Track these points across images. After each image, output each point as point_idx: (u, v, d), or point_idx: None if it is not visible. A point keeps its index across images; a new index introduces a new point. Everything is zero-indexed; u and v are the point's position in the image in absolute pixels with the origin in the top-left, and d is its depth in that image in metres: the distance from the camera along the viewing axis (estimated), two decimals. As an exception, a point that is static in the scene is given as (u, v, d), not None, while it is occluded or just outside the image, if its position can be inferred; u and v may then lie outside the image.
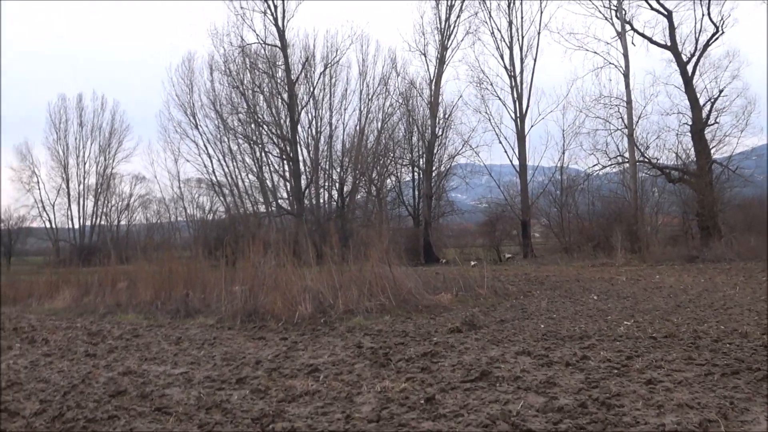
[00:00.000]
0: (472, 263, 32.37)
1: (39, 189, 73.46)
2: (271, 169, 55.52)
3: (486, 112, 52.38)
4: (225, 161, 57.37)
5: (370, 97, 55.21)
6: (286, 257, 19.04)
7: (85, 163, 73.45)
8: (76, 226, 73.56)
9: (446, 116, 53.33)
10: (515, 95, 50.82)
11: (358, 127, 55.18)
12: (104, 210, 74.03)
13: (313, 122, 54.53)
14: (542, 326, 13.85)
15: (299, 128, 53.89)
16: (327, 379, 9.52)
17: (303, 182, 53.29)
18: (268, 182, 55.67)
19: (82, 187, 73.42)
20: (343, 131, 56.15)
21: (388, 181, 56.78)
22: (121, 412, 8.21)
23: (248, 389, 9.24)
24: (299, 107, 53.22)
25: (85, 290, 23.16)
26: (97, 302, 21.82)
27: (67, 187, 73.16)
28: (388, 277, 18.24)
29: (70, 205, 73.17)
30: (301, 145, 54.05)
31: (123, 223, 74.72)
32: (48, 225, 73.52)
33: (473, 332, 13.22)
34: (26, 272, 38.84)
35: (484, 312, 16.62)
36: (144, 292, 21.11)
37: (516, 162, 50.73)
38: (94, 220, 73.44)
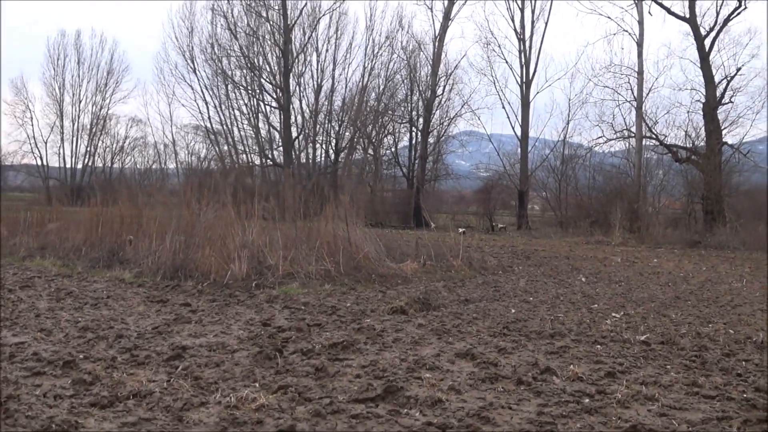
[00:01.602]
0: (461, 230, 29.61)
1: (32, 125, 70.82)
2: (268, 119, 52.59)
3: (491, 75, 49.35)
4: (221, 108, 54.42)
5: (375, 53, 52.07)
6: (231, 207, 16.12)
7: (80, 102, 70.52)
8: (68, 165, 71.04)
9: (448, 74, 50.14)
10: (523, 60, 47.57)
11: (361, 84, 52.05)
12: (97, 151, 71.35)
13: (314, 74, 51.47)
14: (512, 311, 10.96)
15: (299, 79, 50.91)
16: (182, 373, 6.67)
17: (294, 134, 50.38)
18: (263, 132, 52.74)
19: (76, 126, 70.69)
20: (346, 86, 53.09)
21: (386, 140, 53.77)
22: None
23: (66, 380, 6.43)
24: (294, 55, 50.10)
25: (15, 229, 20.32)
26: (23, 243, 19.01)
27: (61, 124, 70.41)
28: (344, 238, 15.32)
29: (63, 143, 70.57)
30: (296, 96, 51.04)
31: (116, 165, 71.83)
32: (39, 162, 71.05)
33: (422, 314, 10.35)
34: (5, 206, 35.85)
35: (450, 287, 13.72)
36: (74, 235, 18.27)
37: (518, 129, 47.65)
38: (86, 160, 70.82)
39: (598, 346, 8.43)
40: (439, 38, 49.05)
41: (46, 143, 70.43)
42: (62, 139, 70.10)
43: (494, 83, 48.78)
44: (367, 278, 13.96)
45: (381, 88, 52.00)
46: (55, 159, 71.21)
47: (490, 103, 62.14)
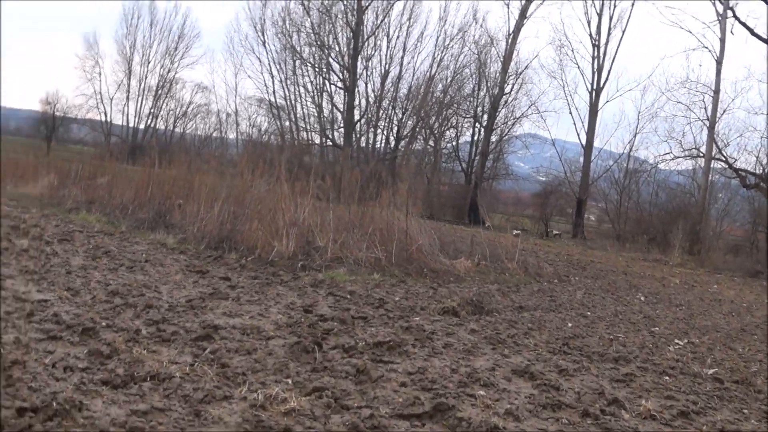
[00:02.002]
0: (515, 232, 28.67)
1: (100, 81, 71.01)
2: (332, 99, 51.93)
3: (561, 79, 48.16)
4: (286, 84, 53.88)
5: (446, 45, 51.11)
6: (286, 182, 15.42)
7: (149, 63, 70.52)
8: (131, 124, 71.17)
9: (518, 73, 48.97)
10: (595, 66, 46.27)
11: (429, 74, 51.13)
12: (161, 113, 71.34)
13: (383, 59, 50.68)
14: (569, 325, 10.11)
15: (368, 62, 50.19)
16: (208, 357, 5.96)
17: (356, 117, 49.73)
18: (326, 112, 52.10)
19: (142, 86, 70.73)
20: (413, 75, 52.20)
21: (448, 133, 52.80)
22: None
23: (82, 349, 5.78)
24: (364, 37, 49.34)
25: (65, 180, 19.89)
26: (71, 195, 18.55)
27: (128, 83, 70.46)
28: (399, 227, 14.53)
29: (128, 101, 70.71)
30: (362, 79, 50.33)
31: (177, 129, 71.75)
32: (103, 118, 71.28)
33: (475, 318, 9.54)
34: (64, 159, 35.60)
35: (503, 292, 12.86)
36: (123, 193, 17.75)
37: (583, 137, 46.39)
38: (149, 121, 70.93)
39: (666, 378, 7.55)
40: (513, 36, 47.90)
41: (111, 100, 70.60)
42: (128, 98, 70.17)
43: (563, 87, 47.58)
44: (418, 272, 13.16)
45: (448, 80, 51.08)
46: (118, 117, 71.40)
47: (558, 107, 60.69)
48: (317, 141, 52.61)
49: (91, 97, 70.61)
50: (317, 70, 51.44)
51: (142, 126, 70.49)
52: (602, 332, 9.90)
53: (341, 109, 50.70)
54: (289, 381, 5.55)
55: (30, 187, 19.75)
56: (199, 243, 13.57)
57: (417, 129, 51.10)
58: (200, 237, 13.87)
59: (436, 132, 51.43)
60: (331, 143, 51.28)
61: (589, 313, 11.79)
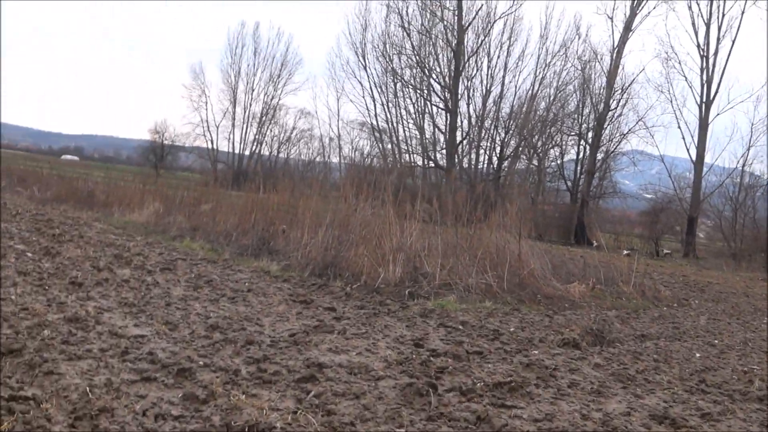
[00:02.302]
0: (625, 252, 27.52)
1: (206, 109, 72.38)
2: (433, 120, 51.45)
3: (669, 93, 46.64)
4: (388, 107, 53.75)
5: (547, 62, 50.14)
6: (391, 206, 14.86)
7: (253, 90, 71.61)
8: (236, 150, 72.23)
9: (624, 89, 47.52)
10: (704, 78, 44.56)
11: (531, 92, 50.23)
12: (265, 139, 72.21)
13: (484, 78, 50.03)
14: (697, 356, 9.21)
15: (469, 82, 49.62)
16: (313, 402, 5.37)
17: (459, 137, 49.09)
18: (428, 133, 51.67)
19: (247, 113, 71.77)
20: (515, 93, 51.38)
21: (552, 152, 51.67)
22: None
23: (177, 392, 5.28)
24: (465, 57, 48.72)
25: (170, 207, 19.78)
26: (176, 222, 18.39)
27: (233, 111, 71.69)
28: (510, 251, 13.78)
29: (233, 128, 71.93)
30: (464, 99, 49.73)
31: (282, 155, 72.37)
32: (209, 145, 72.58)
33: (597, 349, 8.75)
34: (170, 186, 36.10)
35: (623, 318, 11.99)
36: (226, 219, 17.47)
37: (693, 152, 44.68)
38: (254, 147, 71.86)
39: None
40: (618, 50, 46.65)
41: (217, 128, 71.96)
42: (233, 125, 71.51)
43: (671, 101, 46.05)
44: (531, 298, 12.37)
45: (551, 98, 50.30)
46: (224, 144, 72.59)
47: (666, 121, 58.73)
48: (420, 163, 52.24)
49: (198, 125, 72.13)
50: (418, 91, 51.21)
51: (247, 152, 71.44)
52: (735, 364, 8.98)
53: (443, 130, 50.27)
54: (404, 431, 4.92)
55: (136, 214, 19.72)
56: (303, 270, 13.11)
57: (520, 148, 50.26)
58: (304, 264, 13.41)
59: (539, 151, 50.50)
60: (433, 165, 50.80)
61: (716, 341, 10.84)
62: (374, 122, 55.39)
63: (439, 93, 50.47)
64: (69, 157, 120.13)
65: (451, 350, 7.47)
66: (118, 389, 5.27)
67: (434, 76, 50.39)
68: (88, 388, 5.19)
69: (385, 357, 7.01)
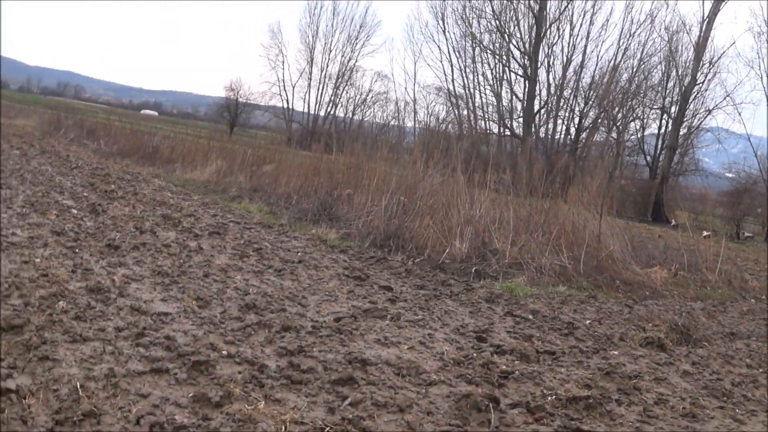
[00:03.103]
0: (705, 233, 25.97)
1: (283, 69, 72.05)
2: (511, 87, 49.88)
3: (759, 69, 44.28)
4: (465, 72, 52.37)
5: (632, 32, 48.07)
6: (462, 174, 13.76)
7: (330, 51, 71.02)
8: (312, 111, 71.77)
9: (712, 63, 45.23)
10: (800, 55, 42.18)
11: (613, 62, 48.31)
12: (340, 100, 71.54)
13: (565, 47, 48.28)
14: (798, 361, 7.99)
15: (549, 50, 47.91)
16: (347, 414, 4.38)
17: (536, 106, 47.52)
18: (505, 101, 50.14)
19: (324, 74, 71.21)
20: (596, 63, 49.56)
21: (632, 125, 49.68)
22: None
23: (186, 390, 4.39)
24: (547, 24, 46.94)
25: (232, 167, 18.94)
26: (237, 182, 17.56)
27: (310, 71, 71.21)
28: (589, 230, 12.58)
29: (309, 89, 71.47)
30: (543, 67, 48.06)
31: (356, 117, 71.63)
32: (285, 104, 72.19)
33: (684, 351, 7.58)
34: (242, 143, 35.52)
35: (709, 312, 10.72)
36: (289, 181, 16.56)
37: (783, 131, 42.41)
38: (329, 108, 71.29)
39: None
40: (708, 21, 44.32)
41: (293, 87, 71.63)
42: (309, 85, 71.14)
43: (761, 78, 43.62)
44: (609, 284, 11.16)
45: (634, 69, 48.18)
46: (300, 104, 72.37)
47: (755, 99, 56.10)
48: (495, 131, 50.88)
49: (274, 84, 71.88)
50: (497, 57, 49.70)
51: (322, 113, 70.89)
52: None
53: (521, 98, 48.72)
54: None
55: (198, 172, 18.95)
56: (364, 240, 12.14)
57: (599, 120, 48.44)
58: (365, 233, 12.44)
59: (619, 123, 48.60)
60: (509, 133, 49.36)
61: (817, 342, 9.54)
62: (451, 87, 54.23)
63: (519, 59, 48.91)
64: (148, 112, 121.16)
65: (518, 347, 6.39)
66: (116, 385, 4.36)
67: (514, 41, 48.82)
68: (79, 383, 4.29)
69: (442, 353, 5.96)
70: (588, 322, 8.21)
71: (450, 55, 53.43)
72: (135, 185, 15.55)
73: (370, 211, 13.32)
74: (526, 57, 47.57)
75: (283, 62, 72.23)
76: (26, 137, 26.03)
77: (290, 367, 5.11)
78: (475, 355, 6.02)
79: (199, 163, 19.78)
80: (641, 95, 48.02)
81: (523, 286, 9.88)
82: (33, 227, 9.23)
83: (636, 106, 48.54)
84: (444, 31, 53.59)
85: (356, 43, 70.22)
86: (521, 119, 48.51)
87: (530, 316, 8.01)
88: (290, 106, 71.42)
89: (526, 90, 47.77)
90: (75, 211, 11.10)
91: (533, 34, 47.21)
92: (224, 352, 5.25)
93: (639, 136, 49.81)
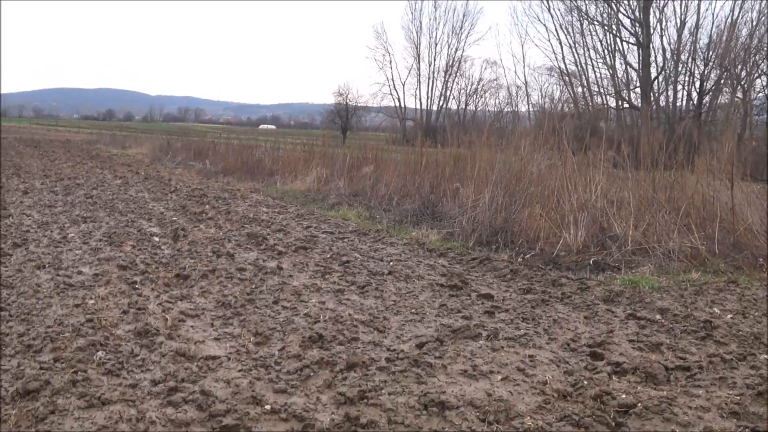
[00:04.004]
0: None
1: (391, 68, 71.97)
2: (624, 57, 47.55)
3: None
4: (575, 48, 50.41)
5: (750, -16, 45.11)
6: (571, 155, 12.41)
7: (436, 45, 70.42)
8: (424, 106, 71.14)
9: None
10: None
11: (730, 19, 45.47)
12: (451, 93, 70.59)
13: (677, 9, 45.75)
14: None
15: (661, 13, 45.39)
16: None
17: (653, 74, 45.05)
18: (619, 72, 47.88)
19: (432, 68, 70.66)
20: (712, 22, 46.80)
21: (758, 82, 46.58)
22: None
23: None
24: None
25: (331, 173, 18.00)
26: (337, 188, 16.61)
27: (418, 67, 70.83)
28: (721, 202, 11.02)
29: (419, 85, 71.10)
30: (656, 32, 45.59)
31: (470, 107, 70.43)
32: (396, 103, 71.86)
33: None
34: (354, 146, 34.89)
35: None
36: (390, 181, 15.50)
37: None
38: (440, 102, 70.49)
39: None
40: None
41: (403, 85, 71.68)
42: (418, 81, 70.94)
43: None
44: (750, 263, 9.54)
45: (753, 23, 45.14)
46: (411, 101, 72.21)
47: None
48: (612, 105, 48.76)
49: (384, 84, 71.94)
50: (606, 28, 47.49)
51: (435, 107, 70.21)
52: None
53: (636, 68, 46.39)
54: None
55: (298, 182, 18.10)
56: (468, 238, 10.97)
57: (722, 81, 45.62)
58: (470, 230, 11.25)
59: (744, 82, 45.61)
60: (627, 105, 47.12)
61: None
62: (562, 66, 52.36)
63: (629, 27, 46.53)
64: (266, 126, 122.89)
65: (642, 363, 5.10)
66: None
67: (622, 9, 46.47)
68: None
69: (544, 383, 4.74)
70: (729, 316, 6.78)
71: (557, 33, 51.95)
72: (230, 203, 14.82)
73: (475, 204, 12.11)
74: (637, 24, 45.21)
75: (391, 62, 71.94)
76: (135, 165, 25.88)
77: (346, 421, 4.04)
78: (586, 382, 4.77)
79: (300, 172, 18.94)
80: (765, 49, 44.98)
81: (648, 277, 8.48)
82: (102, 262, 8.48)
83: (760, 62, 45.50)
84: (549, 9, 51.95)
85: (461, 34, 69.30)
86: (638, 90, 46.19)
87: (658, 317, 6.64)
88: (402, 104, 70.88)
89: (641, 58, 45.42)
90: (157, 239, 10.36)
91: (641, -1, 44.83)
92: (268, 407, 4.22)
93: (766, 93, 46.73)
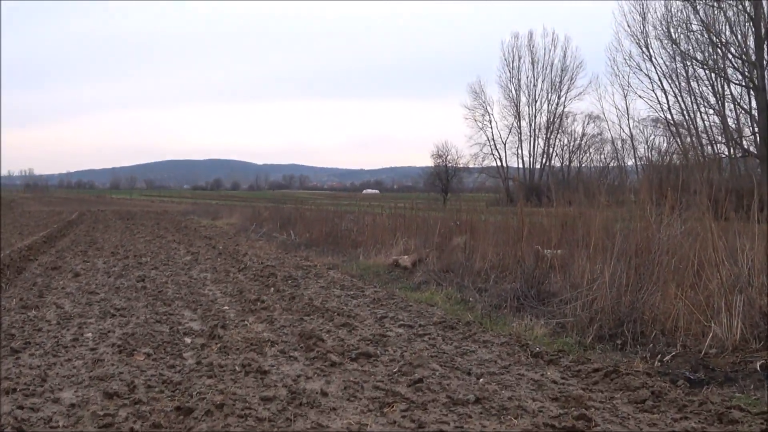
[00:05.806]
0: None
1: (491, 127, 69.92)
2: (735, 103, 43.89)
3: None
4: (681, 96, 47.08)
5: None
6: (708, 215, 9.56)
7: (536, 102, 68.36)
8: (526, 165, 68.81)
9: None
10: None
11: None
12: (554, 149, 68.12)
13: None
14: None
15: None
16: None
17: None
18: (731, 120, 44.24)
19: (532, 126, 68.40)
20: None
21: None
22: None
23: None
24: (766, 19, 40.67)
25: (422, 242, 15.46)
26: (424, 263, 14.08)
27: (519, 125, 68.75)
28: None
29: (520, 143, 68.93)
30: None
31: (574, 164, 67.57)
32: (498, 163, 69.81)
33: None
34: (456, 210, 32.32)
35: None
36: (484, 253, 12.91)
37: None
38: (543, 159, 68.06)
39: None
40: None
41: (504, 144, 69.58)
42: (519, 140, 69.36)
43: None
44: None
45: None
46: (513, 160, 70.42)
47: None
48: (724, 153, 45.12)
49: (485, 145, 69.90)
50: (715, 72, 43.99)
51: (537, 165, 68.02)
52: None
53: (750, 112, 42.72)
54: None
55: (383, 256, 15.55)
56: (584, 332, 8.29)
57: None
58: (586, 320, 8.55)
59: None
60: (742, 154, 43.38)
61: None
62: (668, 116, 49.03)
63: (740, 69, 42.89)
64: (370, 191, 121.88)
65: None
66: None
67: (732, 50, 42.91)
68: None
69: None
70: None
71: (661, 82, 48.46)
72: (300, 283, 12.51)
73: (591, 282, 9.37)
74: (747, 64, 41.58)
75: (490, 121, 69.65)
76: (216, 237, 23.87)
77: None
78: None
79: (386, 243, 16.46)
80: None
81: None
82: (93, 383, 6.19)
83: None
84: (650, 58, 48.75)
85: (561, 89, 66.92)
86: (755, 135, 42.36)
87: None
88: (504, 164, 68.60)
89: (755, 102, 41.69)
90: (188, 340, 8.09)
91: (752, 38, 41.15)
92: None
93: None
